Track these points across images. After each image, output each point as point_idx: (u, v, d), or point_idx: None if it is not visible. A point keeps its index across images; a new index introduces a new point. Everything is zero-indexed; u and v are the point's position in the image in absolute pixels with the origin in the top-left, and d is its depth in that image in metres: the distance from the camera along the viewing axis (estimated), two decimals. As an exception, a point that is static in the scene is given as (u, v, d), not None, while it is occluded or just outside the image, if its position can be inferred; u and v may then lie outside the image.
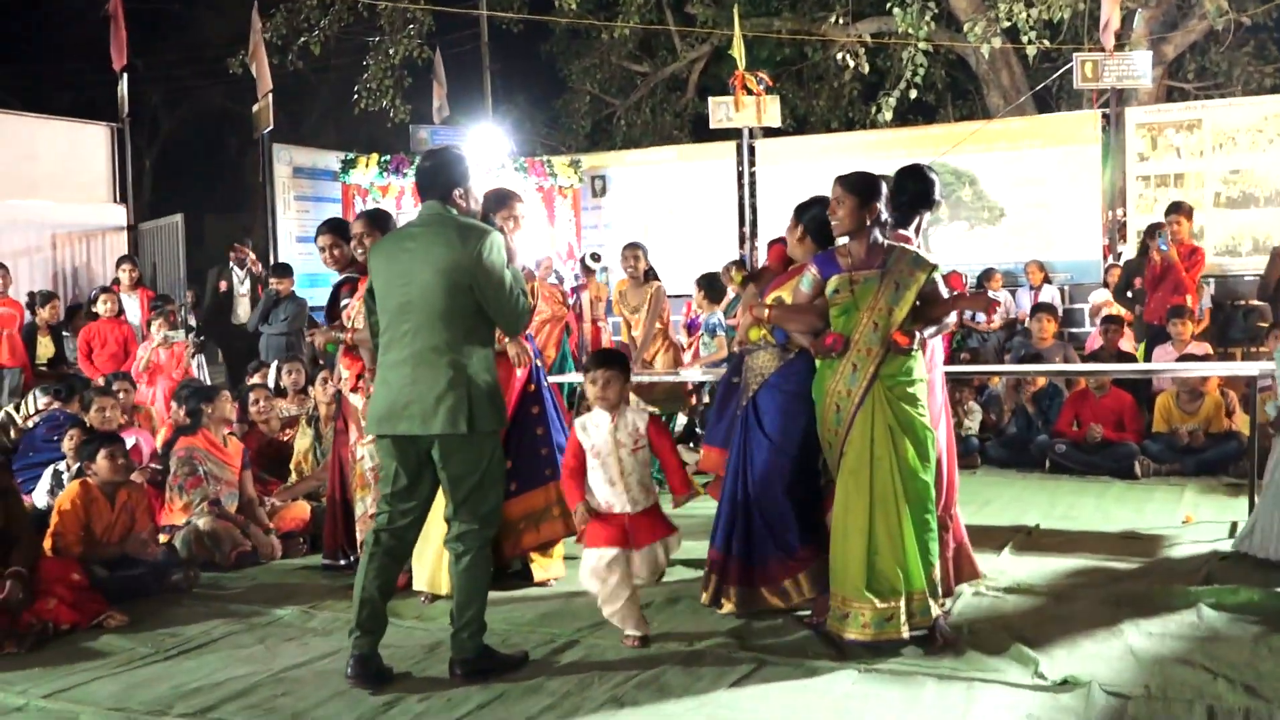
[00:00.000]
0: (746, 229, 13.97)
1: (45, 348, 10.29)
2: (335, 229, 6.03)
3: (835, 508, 4.53)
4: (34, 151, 12.31)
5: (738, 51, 13.62)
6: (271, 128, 12.72)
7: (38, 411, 7.87)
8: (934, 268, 4.54)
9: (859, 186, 4.51)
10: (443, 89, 15.54)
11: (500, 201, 5.66)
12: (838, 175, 4.61)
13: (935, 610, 4.44)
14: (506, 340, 5.38)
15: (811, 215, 4.90)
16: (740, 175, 13.93)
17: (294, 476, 7.21)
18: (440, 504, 4.41)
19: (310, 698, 4.18)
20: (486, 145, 14.39)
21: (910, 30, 14.47)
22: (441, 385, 4.15)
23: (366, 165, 13.53)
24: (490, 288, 4.18)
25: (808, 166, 12.90)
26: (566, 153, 17.39)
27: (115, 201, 12.91)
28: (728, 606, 4.90)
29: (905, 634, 4.35)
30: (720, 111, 13.71)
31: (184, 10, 21.49)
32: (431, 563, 5.40)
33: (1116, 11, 11.90)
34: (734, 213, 14.10)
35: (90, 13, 15.15)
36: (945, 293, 4.66)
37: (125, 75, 12.83)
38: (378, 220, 5.75)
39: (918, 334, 4.49)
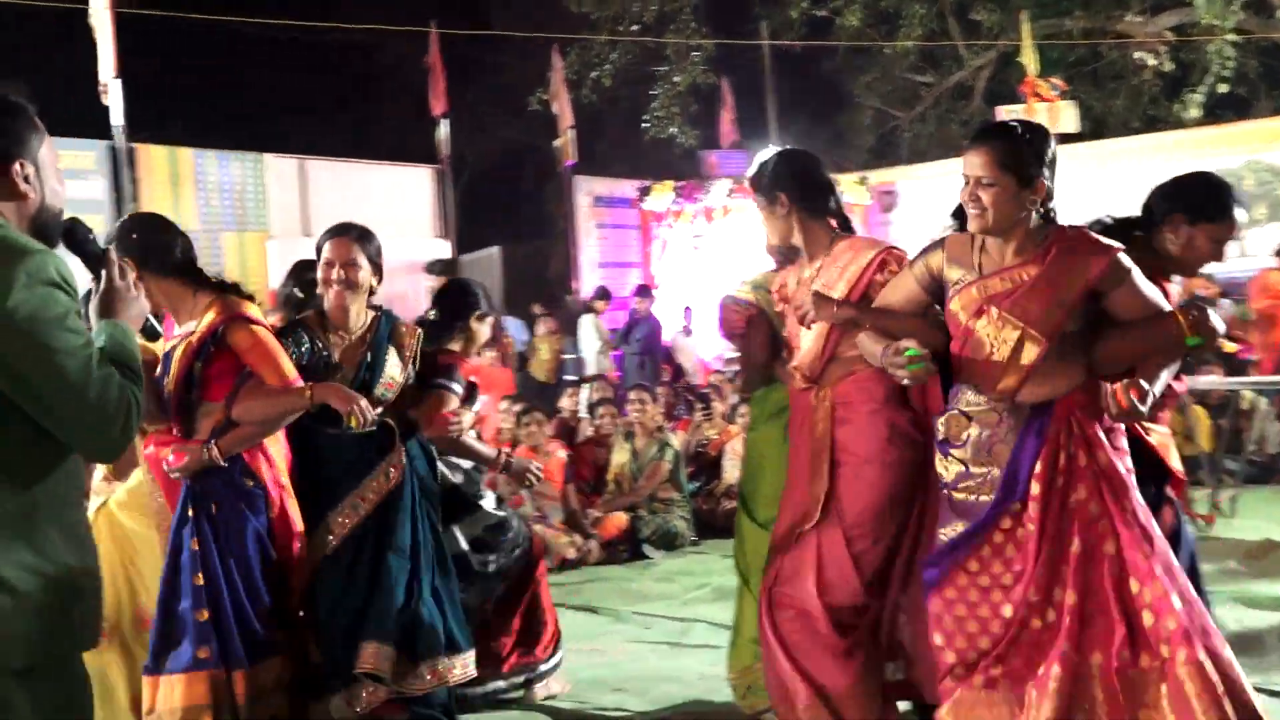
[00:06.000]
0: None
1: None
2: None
3: None
4: (364, 195, 13.52)
5: (1028, 58, 13.30)
6: (575, 160, 13.40)
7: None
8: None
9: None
10: (730, 114, 15.95)
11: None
12: None
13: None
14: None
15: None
16: (1035, 183, 13.59)
17: (611, 488, 7.68)
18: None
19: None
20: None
21: (1216, 21, 13.77)
22: None
23: (662, 192, 14.08)
24: (31, 362, 1.99)
25: (1104, 172, 12.48)
26: (852, 169, 17.42)
27: (437, 237, 13.99)
28: None
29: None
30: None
31: (488, 55, 22.83)
32: None
33: None
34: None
35: (408, 63, 16.44)
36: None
37: (445, 119, 13.86)
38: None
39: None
